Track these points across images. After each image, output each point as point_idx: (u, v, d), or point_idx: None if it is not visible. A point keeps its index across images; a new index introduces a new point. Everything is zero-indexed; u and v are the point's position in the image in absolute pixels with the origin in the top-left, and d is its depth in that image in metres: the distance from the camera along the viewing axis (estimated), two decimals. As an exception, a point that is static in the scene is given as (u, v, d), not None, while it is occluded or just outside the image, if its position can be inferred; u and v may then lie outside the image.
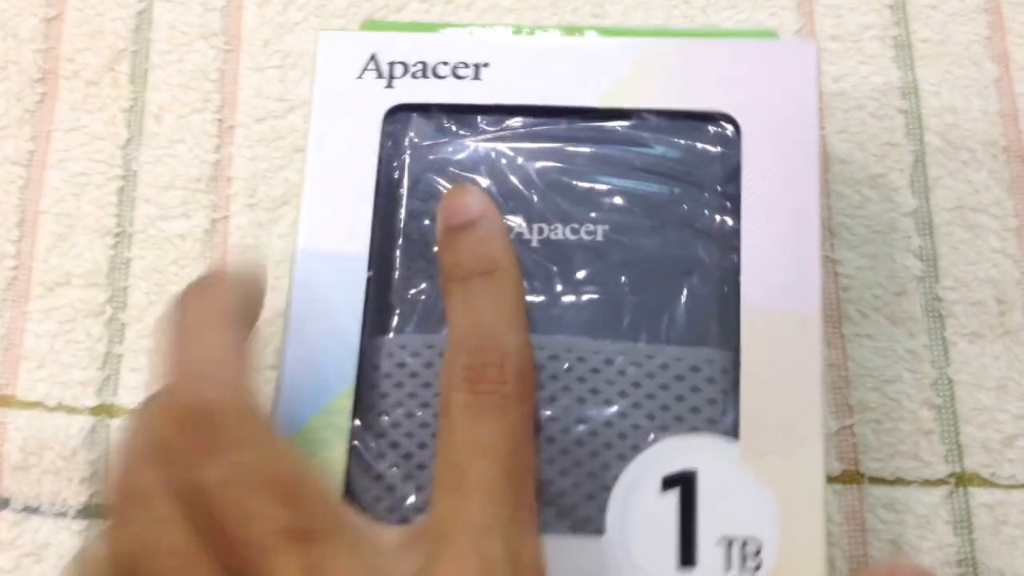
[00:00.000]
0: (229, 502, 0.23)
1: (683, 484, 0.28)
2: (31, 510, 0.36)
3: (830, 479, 0.35)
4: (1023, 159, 0.38)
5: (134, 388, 0.37)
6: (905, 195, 0.38)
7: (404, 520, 0.28)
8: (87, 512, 0.36)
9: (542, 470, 0.28)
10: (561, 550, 0.27)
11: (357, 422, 0.29)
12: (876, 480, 0.35)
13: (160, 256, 0.39)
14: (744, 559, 0.27)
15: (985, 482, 0.35)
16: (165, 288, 0.38)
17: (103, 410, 0.37)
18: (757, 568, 0.27)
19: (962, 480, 0.35)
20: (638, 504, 0.28)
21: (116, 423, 0.37)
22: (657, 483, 0.28)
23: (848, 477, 0.35)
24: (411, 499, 0.28)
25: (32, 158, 0.40)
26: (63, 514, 0.36)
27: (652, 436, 0.28)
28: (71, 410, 0.37)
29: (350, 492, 0.29)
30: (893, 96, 0.39)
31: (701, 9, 0.40)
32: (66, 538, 0.36)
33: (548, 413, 0.29)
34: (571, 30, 0.32)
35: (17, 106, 0.41)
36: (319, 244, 0.30)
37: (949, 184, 0.38)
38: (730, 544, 0.27)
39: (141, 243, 0.39)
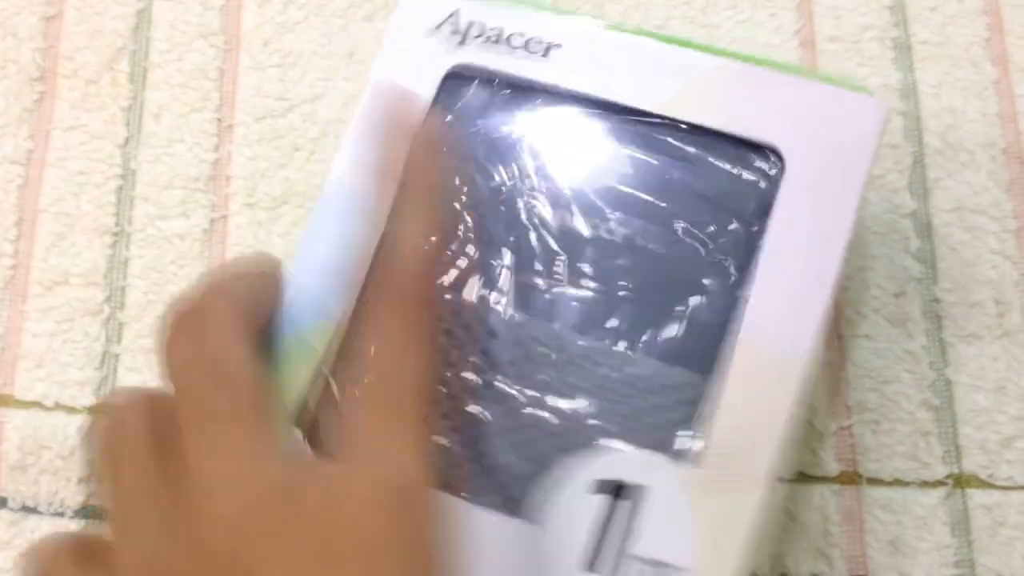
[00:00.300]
0: (180, 384, 0.27)
1: (615, 493, 0.28)
2: (29, 510, 0.36)
3: (828, 479, 0.35)
4: (1022, 161, 0.38)
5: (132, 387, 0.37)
6: (904, 196, 0.38)
7: None
8: (85, 512, 0.36)
9: (491, 443, 0.29)
10: (484, 525, 0.28)
11: (336, 354, 0.30)
12: (874, 481, 0.35)
13: (159, 255, 0.39)
14: None
15: (983, 483, 0.35)
16: (163, 288, 0.38)
17: None
18: None
19: (960, 481, 0.35)
20: (566, 499, 0.28)
21: None
22: (591, 485, 0.28)
23: (846, 478, 0.35)
24: None
25: (31, 157, 0.40)
26: (61, 514, 0.36)
27: (603, 439, 0.28)
28: (69, 410, 0.37)
29: (312, 429, 0.29)
30: (892, 97, 0.39)
31: (701, 9, 0.40)
32: None
33: (508, 392, 0.29)
34: (650, 34, 0.32)
35: (16, 105, 0.41)
36: (349, 179, 0.31)
37: (948, 185, 0.38)
38: (639, 563, 0.27)
39: (140, 242, 0.39)
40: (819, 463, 0.36)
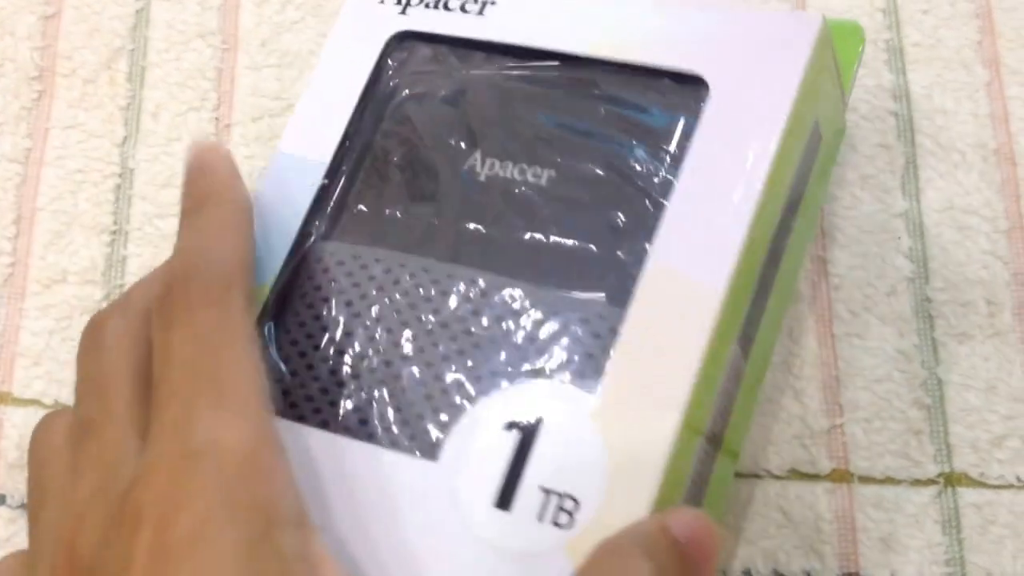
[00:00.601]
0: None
1: (524, 429, 0.27)
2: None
3: (820, 477, 0.36)
4: (1013, 161, 0.39)
5: None
6: (896, 196, 0.38)
7: (280, 413, 0.29)
8: None
9: (397, 386, 0.29)
10: (396, 467, 0.27)
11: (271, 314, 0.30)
12: (866, 479, 0.36)
13: (156, 253, 0.39)
14: (558, 513, 0.26)
15: (974, 482, 0.36)
16: (161, 285, 0.39)
17: None
18: (567, 525, 0.26)
19: (951, 480, 0.36)
20: (477, 438, 0.27)
21: None
22: (502, 422, 0.27)
23: (838, 476, 0.36)
24: (294, 395, 0.29)
25: (29, 155, 0.40)
26: None
27: (516, 376, 0.28)
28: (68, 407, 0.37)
29: None
30: (885, 99, 0.40)
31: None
32: None
33: (421, 335, 0.29)
34: None
35: (14, 103, 0.41)
36: (294, 148, 0.32)
37: (940, 186, 0.39)
38: (548, 495, 0.26)
39: (137, 240, 0.39)
40: (811, 461, 0.36)
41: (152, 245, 0.39)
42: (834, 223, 0.38)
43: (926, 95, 0.40)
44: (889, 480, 0.36)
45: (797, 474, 0.36)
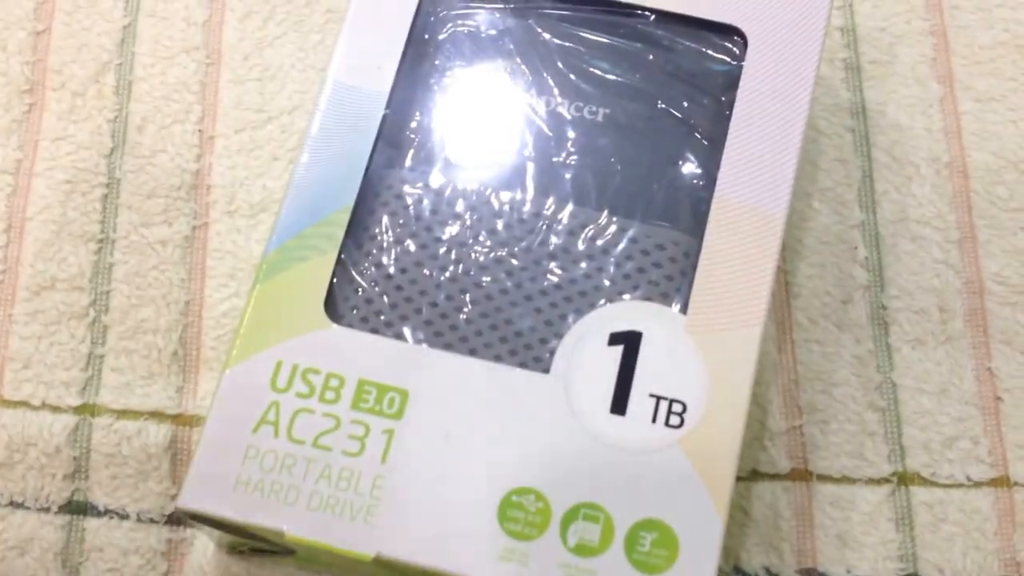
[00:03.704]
0: None
1: (628, 341, 0.30)
2: (16, 505, 0.37)
3: (780, 476, 0.36)
4: (965, 174, 0.40)
5: (115, 388, 0.38)
6: (853, 208, 0.39)
7: (374, 330, 0.31)
8: (69, 507, 0.37)
9: (506, 309, 0.31)
10: (510, 380, 0.30)
11: (349, 239, 0.32)
12: (823, 478, 0.37)
13: (142, 261, 0.39)
14: (669, 416, 0.30)
15: (926, 481, 0.37)
16: (146, 292, 0.39)
17: (86, 409, 0.38)
18: (679, 426, 0.30)
19: (904, 479, 0.37)
20: (585, 353, 0.30)
21: (98, 422, 0.37)
22: (605, 338, 0.31)
23: (797, 475, 0.36)
24: (383, 315, 0.31)
25: (20, 166, 0.41)
26: (46, 509, 0.36)
27: (609, 297, 0.31)
28: (55, 409, 0.37)
29: (331, 296, 0.31)
30: (843, 115, 0.41)
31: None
32: (50, 532, 0.36)
33: (518, 262, 0.32)
34: None
35: (5, 116, 0.41)
36: (347, 78, 0.34)
37: (895, 198, 0.39)
38: (659, 401, 0.30)
39: (124, 249, 0.39)
40: (771, 461, 0.37)
41: (138, 253, 0.39)
42: (793, 235, 0.39)
43: (881, 111, 0.40)
44: (845, 479, 0.37)
45: (758, 474, 0.37)
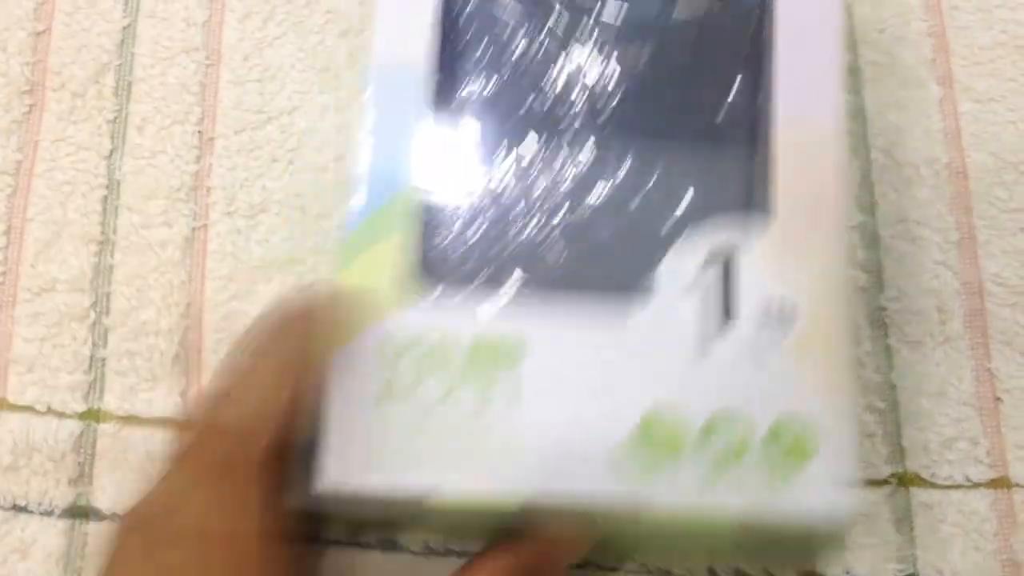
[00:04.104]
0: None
1: (725, 258, 0.32)
2: (19, 508, 0.37)
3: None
4: (964, 175, 0.40)
5: (119, 392, 0.38)
6: (851, 210, 0.39)
7: (474, 288, 0.32)
8: (72, 511, 0.37)
9: (604, 237, 0.33)
10: (618, 309, 0.31)
11: (429, 208, 0.33)
12: (823, 480, 0.37)
13: (142, 262, 0.39)
14: (779, 316, 0.31)
15: (925, 483, 0.37)
16: (146, 293, 0.39)
17: (91, 415, 0.38)
18: (789, 325, 0.31)
19: (903, 480, 0.37)
20: (686, 269, 0.32)
21: (103, 428, 0.37)
22: (703, 253, 0.32)
23: (796, 477, 0.37)
24: (480, 272, 0.33)
25: (19, 167, 0.41)
26: (50, 513, 0.37)
27: (702, 214, 0.33)
28: (60, 414, 0.38)
29: (426, 263, 0.33)
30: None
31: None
32: (52, 536, 0.36)
33: (600, 200, 0.33)
34: None
35: (5, 117, 0.41)
36: (390, 59, 0.34)
37: (893, 200, 0.40)
38: (766, 302, 0.31)
39: (124, 250, 0.40)
40: (771, 463, 0.37)
41: (138, 254, 0.39)
42: (793, 235, 0.39)
43: (880, 112, 0.40)
44: (844, 481, 0.37)
45: (757, 475, 0.37)
